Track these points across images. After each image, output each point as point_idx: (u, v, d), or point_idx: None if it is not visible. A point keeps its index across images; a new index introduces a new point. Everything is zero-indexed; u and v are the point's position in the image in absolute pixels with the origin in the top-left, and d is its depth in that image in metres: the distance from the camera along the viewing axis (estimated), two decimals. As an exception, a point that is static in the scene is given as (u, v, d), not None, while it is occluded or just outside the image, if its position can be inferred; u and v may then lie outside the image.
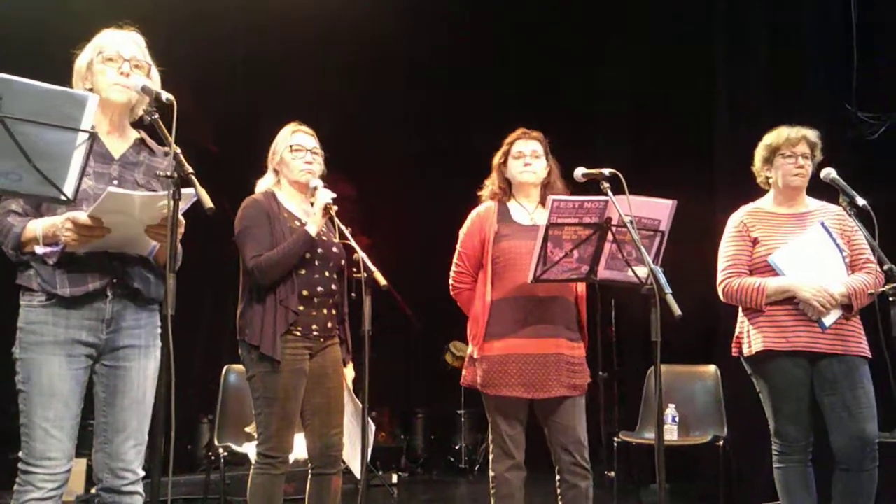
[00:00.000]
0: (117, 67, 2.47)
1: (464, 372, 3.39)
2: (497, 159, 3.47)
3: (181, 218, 2.34)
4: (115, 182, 2.45)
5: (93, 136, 2.12)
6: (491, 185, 3.47)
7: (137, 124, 2.60)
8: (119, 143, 2.54)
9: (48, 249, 2.33)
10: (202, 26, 5.67)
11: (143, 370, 2.49)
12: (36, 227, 2.33)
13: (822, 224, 3.24)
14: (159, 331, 2.54)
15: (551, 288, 3.20)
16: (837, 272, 3.24)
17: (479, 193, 3.51)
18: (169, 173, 2.19)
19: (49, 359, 2.35)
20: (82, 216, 2.26)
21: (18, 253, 2.37)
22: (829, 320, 3.17)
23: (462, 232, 3.44)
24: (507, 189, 3.44)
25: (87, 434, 2.52)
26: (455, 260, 3.44)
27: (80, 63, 2.52)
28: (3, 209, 2.39)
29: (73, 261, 2.37)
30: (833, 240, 3.23)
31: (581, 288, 3.35)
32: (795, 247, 3.24)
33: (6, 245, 2.37)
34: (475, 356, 3.30)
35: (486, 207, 3.44)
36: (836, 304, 3.19)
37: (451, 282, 3.45)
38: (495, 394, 3.23)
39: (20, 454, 2.36)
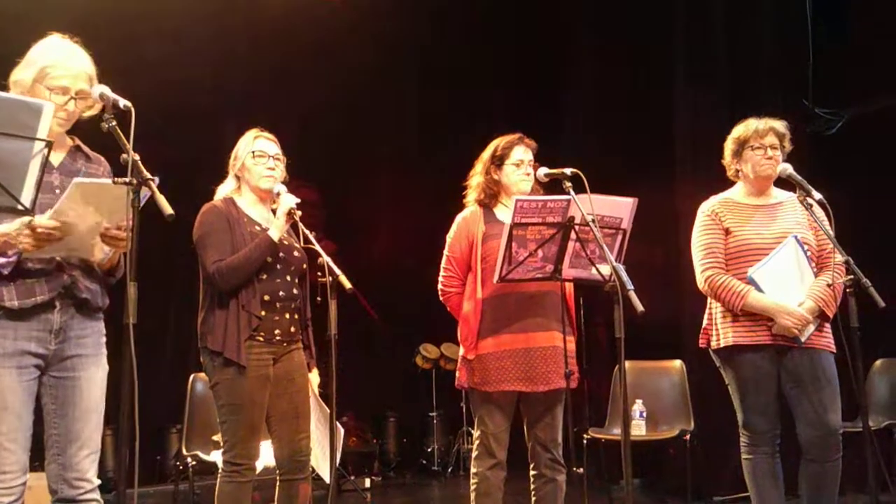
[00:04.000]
0: (64, 101, 2.41)
1: (457, 374, 3.38)
2: (488, 162, 3.39)
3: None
4: (58, 191, 2.39)
5: (49, 145, 2.10)
6: (478, 189, 3.41)
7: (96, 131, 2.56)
8: (56, 152, 2.48)
9: (3, 260, 2.30)
10: (169, 30, 5.61)
11: (92, 379, 2.48)
12: None
13: (796, 238, 3.29)
14: (104, 339, 2.54)
15: (540, 284, 3.21)
16: (809, 286, 3.29)
17: (465, 197, 3.47)
18: (128, 179, 2.17)
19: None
20: (45, 221, 2.23)
21: None
22: (805, 335, 3.23)
23: (449, 237, 3.43)
24: (496, 193, 3.40)
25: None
26: (443, 265, 3.42)
27: (23, 78, 2.43)
28: None
29: (21, 272, 2.34)
30: (805, 253, 3.29)
31: (569, 284, 3.34)
32: (773, 264, 3.27)
33: None
34: (469, 357, 3.29)
35: (471, 212, 3.42)
36: (810, 321, 3.24)
37: (439, 287, 3.43)
38: (493, 390, 3.23)
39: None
